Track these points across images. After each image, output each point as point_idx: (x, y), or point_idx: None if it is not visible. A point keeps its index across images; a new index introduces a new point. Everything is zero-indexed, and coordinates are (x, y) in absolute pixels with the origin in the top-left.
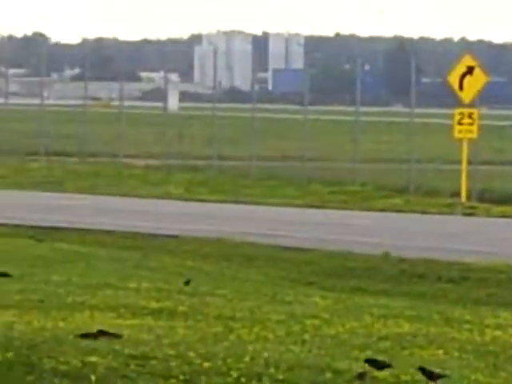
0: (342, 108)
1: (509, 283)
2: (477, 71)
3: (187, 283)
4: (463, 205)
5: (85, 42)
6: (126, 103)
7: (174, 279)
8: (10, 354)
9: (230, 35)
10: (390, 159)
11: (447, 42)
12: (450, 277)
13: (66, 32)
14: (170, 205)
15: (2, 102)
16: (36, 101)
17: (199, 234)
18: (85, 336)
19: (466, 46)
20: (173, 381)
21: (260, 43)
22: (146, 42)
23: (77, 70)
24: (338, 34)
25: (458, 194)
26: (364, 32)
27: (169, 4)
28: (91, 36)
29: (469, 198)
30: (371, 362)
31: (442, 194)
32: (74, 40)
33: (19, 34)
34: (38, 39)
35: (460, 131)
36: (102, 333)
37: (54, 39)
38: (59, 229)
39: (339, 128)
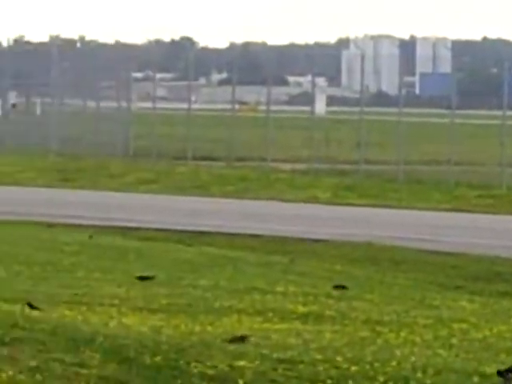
0: (489, 112)
1: None
2: None
3: (340, 287)
4: None
5: (232, 46)
6: (274, 107)
7: (322, 284)
8: (158, 358)
9: (377, 39)
10: None
11: None
12: None
13: (213, 36)
14: (318, 209)
15: (150, 107)
16: (184, 105)
17: (347, 239)
18: (232, 341)
19: None
20: None
21: (407, 47)
22: (293, 46)
23: (224, 75)
24: (485, 38)
25: None
26: None
27: (316, 8)
28: (239, 40)
29: None
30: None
31: None
32: (222, 44)
33: (167, 39)
34: (186, 43)
35: None
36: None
37: (201, 44)
38: (207, 233)
39: (486, 132)
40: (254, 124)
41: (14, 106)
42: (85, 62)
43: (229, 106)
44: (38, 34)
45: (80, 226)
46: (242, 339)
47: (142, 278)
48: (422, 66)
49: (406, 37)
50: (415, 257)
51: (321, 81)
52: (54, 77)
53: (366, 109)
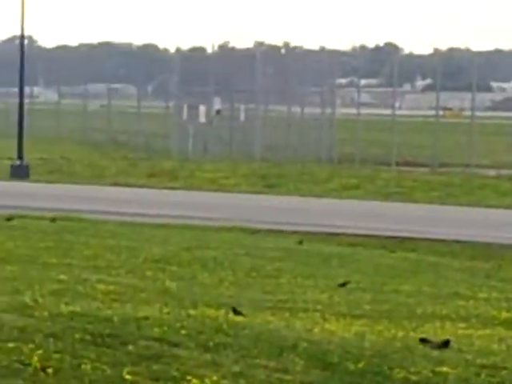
0: None
1: None
2: None
3: None
4: None
5: (437, 52)
6: (477, 113)
7: None
8: (361, 364)
9: None
10: None
11: None
12: None
13: (418, 42)
14: None
15: (354, 113)
16: (388, 111)
17: None
18: (423, 340)
19: None
20: None
21: None
22: (497, 52)
23: (428, 81)
24: None
25: None
26: None
27: None
28: (443, 46)
29: None
30: None
31: None
32: (426, 50)
33: (371, 45)
34: (390, 50)
35: None
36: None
37: (406, 50)
38: (409, 239)
39: None
40: (458, 130)
41: (218, 112)
42: (289, 68)
43: (433, 112)
44: (242, 40)
45: (283, 232)
46: (445, 345)
47: (341, 285)
48: None
49: None
50: None
51: None
52: (258, 83)
53: None
